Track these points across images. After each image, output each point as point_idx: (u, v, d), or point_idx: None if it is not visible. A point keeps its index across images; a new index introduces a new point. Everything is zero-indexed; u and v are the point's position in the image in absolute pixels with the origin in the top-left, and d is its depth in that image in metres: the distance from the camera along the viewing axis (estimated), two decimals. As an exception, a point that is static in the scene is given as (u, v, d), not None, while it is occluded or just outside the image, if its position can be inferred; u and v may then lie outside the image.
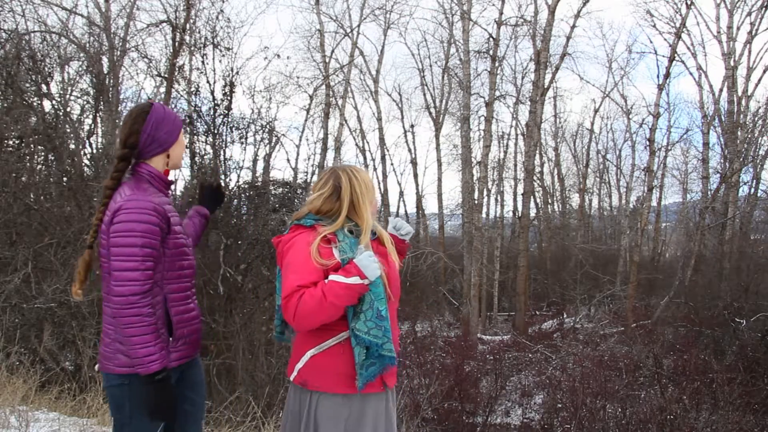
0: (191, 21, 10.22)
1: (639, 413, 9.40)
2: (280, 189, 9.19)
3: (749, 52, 19.92)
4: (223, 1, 9.22)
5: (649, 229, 25.11)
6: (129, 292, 1.96)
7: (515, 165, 27.16)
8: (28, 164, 8.09)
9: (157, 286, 2.08)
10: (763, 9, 18.91)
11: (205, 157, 8.42)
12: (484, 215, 23.58)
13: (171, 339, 2.11)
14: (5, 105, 7.69)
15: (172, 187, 2.34)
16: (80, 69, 10.98)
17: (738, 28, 19.64)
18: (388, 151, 27.34)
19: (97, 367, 2.18)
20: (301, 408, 2.16)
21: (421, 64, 26.48)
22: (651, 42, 42.45)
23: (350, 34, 22.65)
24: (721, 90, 20.20)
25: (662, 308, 17.81)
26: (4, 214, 6.60)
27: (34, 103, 8.23)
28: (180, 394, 2.21)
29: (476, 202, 19.44)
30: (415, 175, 26.90)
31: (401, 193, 29.18)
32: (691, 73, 30.48)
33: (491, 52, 18.70)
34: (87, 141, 9.17)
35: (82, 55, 10.76)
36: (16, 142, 7.72)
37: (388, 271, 2.18)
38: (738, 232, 18.84)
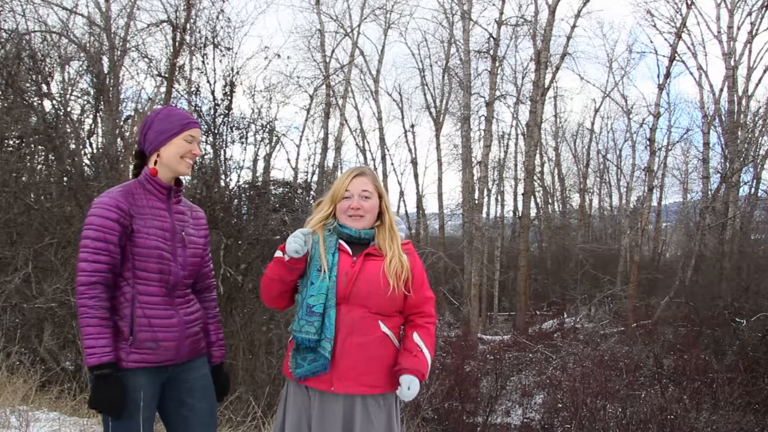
0: (191, 21, 10.23)
1: (639, 413, 9.38)
2: (281, 189, 9.21)
3: (749, 51, 19.91)
4: (224, 1, 9.26)
5: (649, 229, 25.05)
6: (78, 282, 2.02)
7: (515, 165, 27.12)
8: (28, 164, 8.10)
9: (127, 285, 2.10)
10: (764, 9, 18.89)
11: (206, 157, 8.43)
12: (484, 215, 23.54)
13: (131, 338, 2.07)
14: (5, 105, 7.68)
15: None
16: (80, 69, 10.97)
17: (738, 28, 19.63)
18: (388, 150, 27.20)
19: None
20: None
21: (422, 64, 26.42)
22: (651, 42, 42.60)
23: (350, 34, 22.64)
24: (721, 90, 20.18)
25: (662, 308, 17.80)
26: (4, 214, 6.61)
27: (35, 103, 8.21)
28: (175, 399, 2.22)
29: (476, 202, 19.43)
30: (416, 175, 26.86)
31: (401, 193, 28.99)
32: (691, 73, 30.42)
33: (491, 51, 18.69)
34: (87, 141, 9.16)
35: (82, 55, 10.73)
36: (17, 142, 7.73)
37: (352, 272, 2.19)
38: (738, 232, 18.80)
